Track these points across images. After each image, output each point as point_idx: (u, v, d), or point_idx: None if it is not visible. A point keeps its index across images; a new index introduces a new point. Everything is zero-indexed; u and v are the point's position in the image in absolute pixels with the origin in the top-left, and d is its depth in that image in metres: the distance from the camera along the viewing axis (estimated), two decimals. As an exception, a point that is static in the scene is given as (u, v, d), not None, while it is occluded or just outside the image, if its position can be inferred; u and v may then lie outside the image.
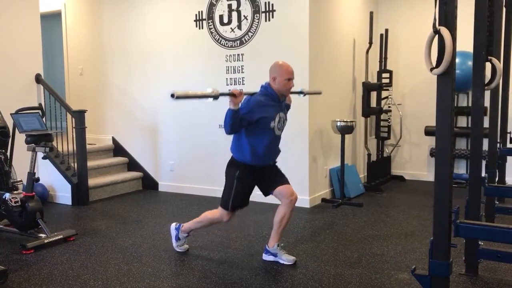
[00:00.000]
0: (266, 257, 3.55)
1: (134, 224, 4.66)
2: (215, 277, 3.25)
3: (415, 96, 6.79)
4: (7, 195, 4.08)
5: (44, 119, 4.67)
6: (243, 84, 5.49)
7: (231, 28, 5.54)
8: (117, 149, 6.62)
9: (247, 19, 5.42)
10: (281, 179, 3.49)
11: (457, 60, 4.93)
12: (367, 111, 6.23)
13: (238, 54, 5.51)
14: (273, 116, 3.34)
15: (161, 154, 6.30)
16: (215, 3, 5.61)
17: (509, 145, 4.92)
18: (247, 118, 3.24)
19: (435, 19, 2.16)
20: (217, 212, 3.53)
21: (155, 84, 6.21)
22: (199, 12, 5.74)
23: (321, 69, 5.41)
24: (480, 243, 3.13)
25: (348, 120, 5.38)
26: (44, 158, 4.55)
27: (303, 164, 5.23)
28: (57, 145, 5.61)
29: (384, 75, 6.56)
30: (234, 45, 5.54)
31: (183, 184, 6.11)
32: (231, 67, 5.57)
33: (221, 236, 4.18)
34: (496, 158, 3.90)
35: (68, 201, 5.52)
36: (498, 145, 4.13)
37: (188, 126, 5.99)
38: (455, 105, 6.30)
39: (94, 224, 4.67)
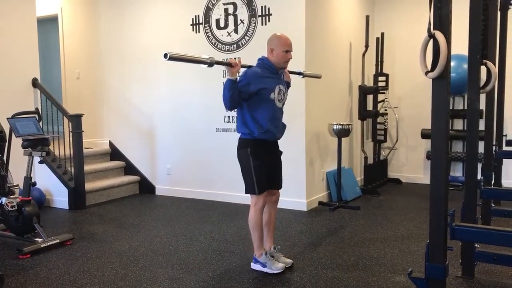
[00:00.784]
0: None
1: (131, 228, 4.66)
2: (212, 281, 3.25)
3: (411, 99, 6.82)
4: (4, 200, 4.07)
5: (40, 123, 4.67)
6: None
7: (227, 32, 5.55)
8: (114, 153, 6.62)
9: (243, 23, 5.44)
10: (278, 183, 3.49)
11: (452, 63, 4.96)
12: (363, 114, 6.24)
13: (235, 58, 5.50)
14: (272, 87, 3.29)
15: (158, 158, 6.30)
16: (211, 7, 5.63)
17: (505, 148, 4.94)
18: (246, 90, 3.20)
19: (429, 23, 2.17)
20: (251, 206, 3.37)
21: (152, 88, 6.22)
22: (195, 16, 5.75)
23: (318, 72, 5.41)
24: (476, 245, 3.14)
25: (345, 123, 5.39)
26: (40, 162, 4.54)
27: (300, 167, 5.23)
28: (53, 149, 5.59)
29: (380, 78, 6.58)
30: (231, 49, 5.55)
31: (180, 188, 6.10)
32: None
33: (218, 240, 4.18)
34: (492, 161, 3.91)
35: (65, 205, 5.50)
36: (494, 147, 4.14)
37: (185, 129, 6.00)
38: (451, 108, 6.33)
39: (91, 228, 4.66)
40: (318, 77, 4.57)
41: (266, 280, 3.26)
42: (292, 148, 5.19)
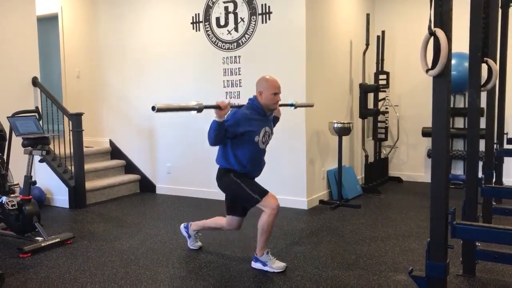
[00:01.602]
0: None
1: (132, 227, 4.65)
2: (213, 280, 3.25)
3: (412, 98, 6.81)
4: (4, 199, 4.07)
5: (41, 122, 4.67)
6: (240, 86, 5.49)
7: (228, 30, 5.55)
8: (114, 152, 6.61)
9: (243, 21, 5.43)
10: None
11: (453, 61, 4.95)
12: (364, 112, 6.23)
13: (235, 56, 5.51)
14: (258, 130, 3.36)
15: (159, 157, 6.29)
16: (211, 5, 5.62)
17: (506, 146, 4.93)
18: (233, 130, 3.27)
19: (430, 20, 2.16)
20: (266, 211, 3.30)
21: (152, 86, 6.21)
22: (195, 14, 5.74)
23: (318, 70, 5.42)
24: (477, 244, 3.14)
25: (345, 122, 5.38)
26: (41, 161, 4.54)
27: (301, 166, 5.23)
28: (54, 148, 5.59)
29: (381, 76, 6.57)
30: (231, 47, 5.54)
31: (180, 186, 6.10)
32: (228, 69, 5.57)
33: (219, 239, 4.18)
34: (493, 159, 3.91)
35: (65, 204, 5.50)
36: (495, 146, 4.13)
37: (185, 128, 5.99)
38: (452, 106, 6.32)
39: (92, 227, 4.66)
40: (311, 106, 4.63)
41: (266, 279, 3.25)
42: (293, 147, 5.19)
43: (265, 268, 3.37)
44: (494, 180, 4.17)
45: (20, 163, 4.60)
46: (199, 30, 5.74)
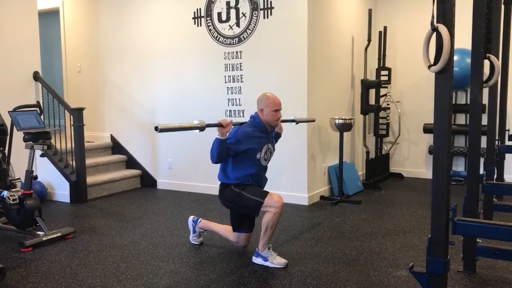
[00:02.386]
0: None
1: (133, 221, 4.66)
2: (213, 275, 3.25)
3: (413, 94, 6.79)
4: (5, 193, 4.07)
5: (42, 116, 4.67)
6: (241, 81, 5.49)
7: (229, 25, 5.53)
8: (116, 147, 6.62)
9: (245, 17, 5.41)
10: (250, 227, 3.64)
11: (455, 57, 4.94)
12: (365, 108, 6.22)
13: (237, 52, 5.50)
14: (260, 148, 3.40)
15: (160, 152, 6.30)
16: (213, 0, 5.60)
17: (507, 143, 4.92)
18: (234, 148, 3.31)
19: (433, 16, 2.15)
20: (273, 209, 3.30)
21: (153, 81, 6.21)
22: (197, 9, 5.73)
23: (320, 66, 5.40)
24: (478, 240, 3.14)
25: (347, 118, 5.38)
26: (42, 156, 4.54)
27: (302, 162, 5.23)
28: (55, 142, 5.60)
29: (382, 72, 6.56)
30: (233, 42, 5.53)
31: (181, 181, 6.11)
32: (229, 64, 5.56)
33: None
34: (495, 156, 3.90)
35: (67, 199, 5.51)
36: (496, 142, 4.13)
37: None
38: (454, 102, 6.31)
39: (93, 222, 4.67)
40: (312, 121, 4.66)
41: (267, 274, 3.26)
42: (294, 142, 5.19)
43: (266, 264, 3.38)
44: (495, 176, 4.16)
45: (21, 157, 4.60)
46: (200, 25, 5.73)
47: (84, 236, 4.19)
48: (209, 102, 5.75)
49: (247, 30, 5.42)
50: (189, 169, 6.04)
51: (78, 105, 5.65)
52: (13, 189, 4.22)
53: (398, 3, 6.84)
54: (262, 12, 5.31)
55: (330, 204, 5.23)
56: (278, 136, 3.76)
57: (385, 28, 6.52)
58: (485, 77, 3.26)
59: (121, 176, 6.17)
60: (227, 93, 5.59)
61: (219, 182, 3.57)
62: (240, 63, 5.49)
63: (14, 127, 4.24)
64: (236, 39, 5.50)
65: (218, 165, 3.51)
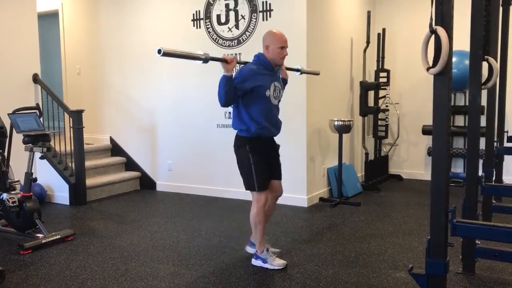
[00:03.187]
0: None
1: (132, 224, 4.66)
2: (213, 277, 3.26)
3: (412, 95, 6.80)
4: (5, 195, 4.07)
5: (41, 119, 4.66)
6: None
7: (228, 27, 5.54)
8: (115, 149, 6.62)
9: (244, 19, 5.42)
10: (278, 173, 3.50)
11: (454, 59, 4.95)
12: (364, 110, 6.23)
13: (236, 54, 5.51)
14: (268, 85, 3.29)
15: (159, 154, 6.30)
16: (212, 2, 5.61)
17: (506, 144, 4.93)
18: (241, 87, 3.20)
19: (431, 18, 2.16)
20: (253, 203, 3.37)
21: (152, 83, 6.21)
22: (196, 11, 5.74)
23: (319, 68, 5.38)
24: (477, 242, 3.14)
25: (346, 119, 5.38)
26: (41, 158, 4.55)
27: (301, 163, 5.23)
28: (54, 145, 5.60)
29: (381, 74, 6.57)
30: (232, 44, 5.54)
31: (181, 183, 6.11)
32: (228, 66, 5.56)
33: (219, 236, 4.19)
34: (493, 157, 3.90)
35: (66, 201, 5.51)
36: (495, 144, 4.13)
37: (186, 125, 5.99)
38: (453, 104, 6.31)
39: (92, 224, 4.67)
40: (317, 73, 4.57)
41: (266, 276, 3.26)
42: (293, 144, 5.19)
43: (265, 266, 3.38)
44: (494, 178, 4.17)
45: (21, 160, 4.60)
46: (199, 28, 5.74)
47: (83, 238, 4.19)
48: (208, 104, 5.75)
49: (246, 32, 5.43)
50: (188, 171, 6.04)
51: (78, 107, 5.65)
52: (12, 192, 4.21)
53: (397, 5, 6.85)
54: (261, 14, 5.32)
55: (329, 205, 5.23)
56: (284, 81, 3.61)
57: (383, 30, 6.54)
58: (483, 79, 3.27)
59: (121, 178, 6.16)
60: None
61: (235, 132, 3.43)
62: (239, 65, 5.49)
63: (14, 130, 4.24)
64: (235, 41, 5.51)
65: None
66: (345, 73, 6.17)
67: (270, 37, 3.31)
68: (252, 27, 5.38)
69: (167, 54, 2.74)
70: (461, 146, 6.46)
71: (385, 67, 6.61)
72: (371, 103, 6.46)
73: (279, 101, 3.44)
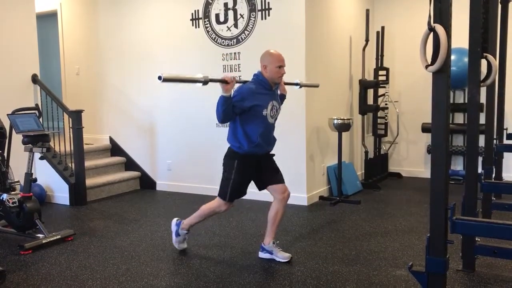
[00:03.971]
0: (262, 254, 3.57)
1: (132, 223, 4.66)
2: (213, 276, 3.26)
3: (411, 93, 6.81)
4: (5, 196, 4.07)
5: (41, 119, 4.66)
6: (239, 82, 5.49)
7: (227, 26, 5.54)
8: (115, 149, 6.62)
9: (243, 18, 5.42)
10: (277, 177, 3.52)
11: (452, 57, 4.95)
12: (364, 108, 6.23)
13: (235, 53, 5.51)
14: (265, 104, 3.35)
15: (159, 154, 6.30)
16: (211, 2, 5.61)
17: (505, 142, 4.94)
18: (239, 105, 3.26)
19: (430, 16, 2.17)
20: (214, 202, 3.55)
21: (151, 83, 6.20)
22: (195, 11, 5.74)
23: (318, 66, 5.41)
24: (476, 239, 3.15)
25: (345, 118, 5.39)
26: (41, 158, 4.54)
27: (300, 162, 5.23)
28: (54, 145, 5.60)
29: (380, 72, 6.57)
30: (231, 43, 5.54)
31: (181, 183, 6.11)
32: (227, 65, 5.57)
33: (219, 235, 4.19)
34: (493, 155, 3.91)
35: (66, 201, 5.51)
36: (494, 141, 4.14)
37: (186, 125, 5.99)
38: (452, 102, 6.32)
39: (92, 224, 4.67)
40: (316, 86, 4.65)
41: (267, 275, 3.27)
42: (293, 143, 5.20)
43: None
44: (493, 175, 4.17)
45: (21, 160, 4.60)
46: (198, 27, 5.74)
47: (83, 238, 4.19)
48: (207, 103, 5.74)
49: (245, 31, 5.43)
50: (188, 170, 6.05)
51: (77, 107, 5.65)
52: (12, 192, 4.21)
53: (396, 3, 6.85)
54: (260, 13, 5.32)
55: (329, 204, 5.23)
56: (282, 97, 3.69)
57: (382, 28, 6.53)
58: (482, 76, 3.28)
59: (120, 178, 6.17)
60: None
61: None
62: (238, 64, 5.50)
63: (13, 130, 4.24)
64: (234, 40, 5.51)
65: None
66: (344, 72, 6.17)
67: (268, 57, 3.39)
68: (251, 26, 5.38)
69: (167, 80, 2.82)
70: (460, 144, 6.47)
71: (384, 65, 6.61)
72: (370, 101, 6.46)
73: (276, 119, 3.52)
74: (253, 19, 5.36)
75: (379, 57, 6.55)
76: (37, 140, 4.13)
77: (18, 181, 4.46)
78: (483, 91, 3.38)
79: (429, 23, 2.17)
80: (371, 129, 6.71)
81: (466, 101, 5.65)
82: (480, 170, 3.33)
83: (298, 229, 4.35)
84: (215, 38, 5.63)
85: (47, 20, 7.50)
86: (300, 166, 5.24)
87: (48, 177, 5.59)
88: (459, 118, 6.50)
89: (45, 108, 5.72)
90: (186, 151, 6.03)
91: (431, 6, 2.17)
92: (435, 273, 2.30)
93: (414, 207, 5.09)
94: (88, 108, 6.09)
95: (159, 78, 2.74)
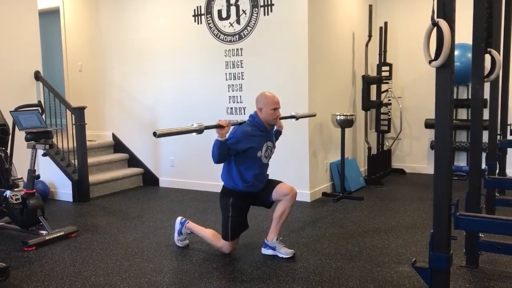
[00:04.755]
0: (265, 251, 3.57)
1: (135, 220, 4.67)
2: (216, 272, 3.26)
3: (415, 89, 6.78)
4: (8, 193, 4.09)
5: (43, 116, 4.67)
6: (242, 78, 5.48)
7: (229, 22, 5.53)
8: (117, 145, 6.63)
9: (245, 14, 5.41)
10: (273, 182, 3.57)
11: (456, 52, 4.91)
12: (367, 104, 6.22)
13: (237, 49, 5.50)
14: (260, 146, 3.41)
15: (162, 150, 6.30)
16: (213, -3, 5.60)
17: (509, 137, 4.91)
18: (234, 148, 3.33)
19: (433, 11, 2.15)
20: (218, 242, 3.55)
21: (154, 79, 6.21)
22: (197, 7, 5.72)
23: (321, 62, 5.40)
24: (480, 235, 3.14)
25: (348, 114, 5.37)
26: (44, 155, 4.55)
27: (304, 158, 5.23)
28: (57, 142, 5.61)
29: (383, 68, 6.55)
30: (233, 39, 5.53)
31: (183, 179, 6.11)
32: (230, 61, 5.56)
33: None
34: (496, 150, 3.89)
35: (69, 198, 5.53)
36: (498, 137, 4.12)
37: (188, 121, 5.95)
38: (455, 97, 6.30)
39: (95, 221, 4.68)
40: (313, 115, 4.64)
41: (270, 271, 3.27)
42: (296, 139, 5.19)
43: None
44: (497, 171, 4.16)
45: (24, 157, 4.61)
46: (201, 23, 5.73)
47: (87, 234, 4.20)
48: (210, 99, 5.75)
49: (248, 27, 5.41)
50: (191, 167, 6.05)
51: (80, 104, 5.66)
52: (15, 189, 4.23)
53: (399, -1, 6.83)
54: (262, 9, 5.30)
55: (332, 200, 5.23)
56: (278, 133, 3.76)
57: (385, 23, 6.51)
58: (486, 72, 3.26)
59: (123, 175, 6.18)
60: (228, 91, 5.59)
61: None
62: (240, 61, 5.49)
63: (16, 127, 4.25)
64: (237, 36, 5.50)
65: (221, 164, 3.52)
66: (347, 68, 6.15)
67: (263, 100, 3.43)
68: (254, 22, 5.36)
69: (162, 135, 2.91)
70: (464, 140, 6.45)
71: (387, 61, 6.59)
72: (373, 97, 6.44)
73: (269, 159, 3.57)
74: (256, 15, 5.34)
75: (382, 53, 6.53)
76: (40, 137, 4.14)
77: (21, 178, 4.47)
78: (487, 86, 3.35)
79: (432, 18, 2.15)
80: (374, 125, 6.70)
81: (469, 97, 5.63)
82: (483, 166, 3.31)
83: (301, 225, 4.35)
84: (217, 34, 5.62)
85: (50, 17, 7.50)
86: (303, 162, 5.23)
87: (51, 174, 5.60)
88: (463, 113, 6.48)
89: (48, 105, 5.72)
90: (189, 147, 6.02)
91: (434, 0, 2.15)
92: (439, 269, 2.29)
93: (417, 203, 5.08)
94: (90, 104, 6.10)
95: (154, 134, 2.84)
